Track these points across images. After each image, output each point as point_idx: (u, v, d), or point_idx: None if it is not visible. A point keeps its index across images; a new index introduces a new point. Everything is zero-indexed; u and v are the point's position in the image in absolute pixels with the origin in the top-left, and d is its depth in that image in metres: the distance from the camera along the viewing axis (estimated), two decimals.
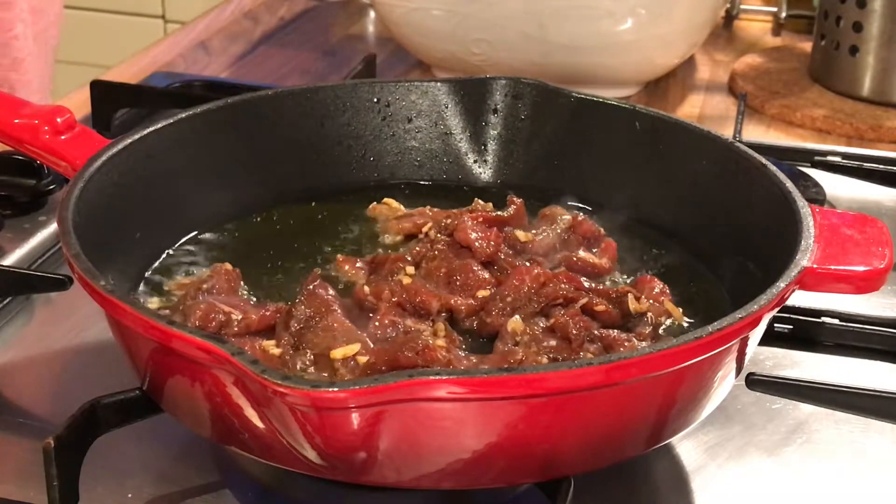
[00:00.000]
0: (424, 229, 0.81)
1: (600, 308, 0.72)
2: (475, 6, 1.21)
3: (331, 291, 0.72)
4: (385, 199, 0.88)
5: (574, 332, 0.69)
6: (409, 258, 0.77)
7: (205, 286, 0.73)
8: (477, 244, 0.77)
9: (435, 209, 0.85)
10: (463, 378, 0.57)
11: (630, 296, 0.73)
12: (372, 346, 0.68)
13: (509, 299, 0.73)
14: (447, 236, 0.79)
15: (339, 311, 0.70)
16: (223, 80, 1.29)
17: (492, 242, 0.77)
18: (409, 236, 0.84)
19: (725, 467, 0.72)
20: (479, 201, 0.83)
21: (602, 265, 0.79)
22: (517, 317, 0.71)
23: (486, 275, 0.75)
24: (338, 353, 0.67)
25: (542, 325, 0.71)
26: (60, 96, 1.24)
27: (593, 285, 0.75)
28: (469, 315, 0.74)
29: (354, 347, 0.67)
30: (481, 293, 0.74)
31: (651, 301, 0.74)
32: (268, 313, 0.71)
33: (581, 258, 0.79)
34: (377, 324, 0.70)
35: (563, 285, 0.73)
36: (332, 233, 0.85)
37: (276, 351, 0.68)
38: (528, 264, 0.76)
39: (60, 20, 1.48)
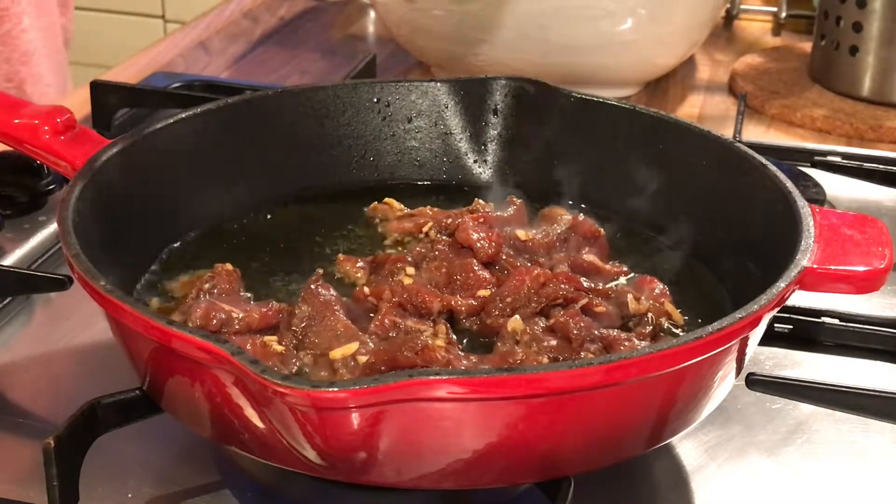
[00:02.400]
0: (425, 229, 0.81)
1: (600, 309, 0.72)
2: (475, 6, 1.21)
3: (332, 291, 0.72)
4: (385, 199, 0.88)
5: (575, 332, 0.69)
6: (410, 258, 0.77)
7: (206, 286, 0.73)
8: (478, 244, 0.77)
9: (435, 209, 0.85)
10: (463, 378, 0.57)
11: (630, 296, 0.73)
12: (371, 345, 0.68)
13: (509, 299, 0.73)
14: (448, 236, 0.79)
15: (340, 310, 0.70)
16: (223, 80, 1.29)
17: (493, 243, 0.77)
18: (409, 236, 0.84)
19: (725, 467, 0.72)
20: (480, 201, 0.83)
21: (607, 269, 0.79)
22: (517, 317, 0.71)
23: (487, 274, 0.75)
24: (337, 354, 0.67)
25: (542, 325, 0.71)
26: (73, 87, 1.25)
27: (592, 285, 0.74)
28: (469, 315, 0.74)
29: (353, 346, 0.67)
30: (482, 293, 0.74)
31: (651, 302, 0.74)
32: (269, 312, 0.71)
33: (588, 261, 0.79)
34: (377, 324, 0.70)
35: (563, 286, 0.73)
36: (332, 233, 0.85)
37: (279, 348, 0.68)
38: (528, 265, 0.76)
39: (69, 13, 1.48)
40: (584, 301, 0.72)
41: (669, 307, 0.74)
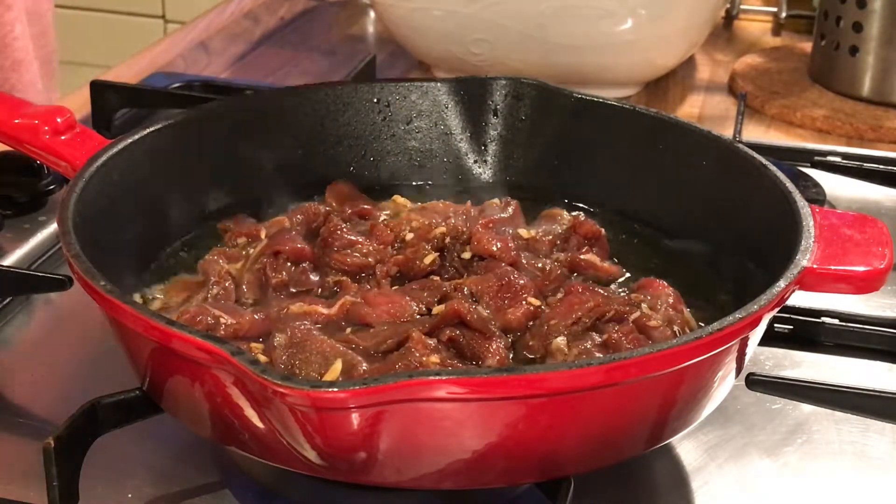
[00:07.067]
0: (436, 231, 0.79)
1: (653, 323, 0.71)
2: (475, 6, 1.21)
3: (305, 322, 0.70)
4: (394, 196, 0.87)
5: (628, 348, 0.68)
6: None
7: (203, 289, 0.73)
8: (499, 252, 0.76)
9: (446, 202, 0.84)
10: (463, 378, 0.57)
11: (644, 305, 0.72)
12: (360, 359, 0.67)
13: (553, 322, 0.71)
14: (463, 243, 0.78)
15: (315, 332, 0.69)
16: (223, 80, 1.29)
17: (510, 245, 0.77)
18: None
19: (725, 467, 0.72)
20: (497, 201, 0.83)
21: (607, 269, 0.79)
22: (562, 338, 0.70)
23: (524, 280, 0.74)
24: (334, 376, 0.66)
25: (590, 343, 0.69)
26: (60, 96, 1.24)
27: (605, 293, 0.74)
28: (528, 319, 0.72)
29: (338, 367, 0.65)
30: (532, 300, 0.73)
31: (669, 310, 0.73)
32: (259, 321, 0.70)
33: (587, 261, 0.79)
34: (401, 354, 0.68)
35: (616, 306, 0.71)
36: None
37: (262, 357, 0.67)
38: (542, 261, 0.75)
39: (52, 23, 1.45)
40: (636, 315, 0.71)
41: (688, 316, 0.73)
